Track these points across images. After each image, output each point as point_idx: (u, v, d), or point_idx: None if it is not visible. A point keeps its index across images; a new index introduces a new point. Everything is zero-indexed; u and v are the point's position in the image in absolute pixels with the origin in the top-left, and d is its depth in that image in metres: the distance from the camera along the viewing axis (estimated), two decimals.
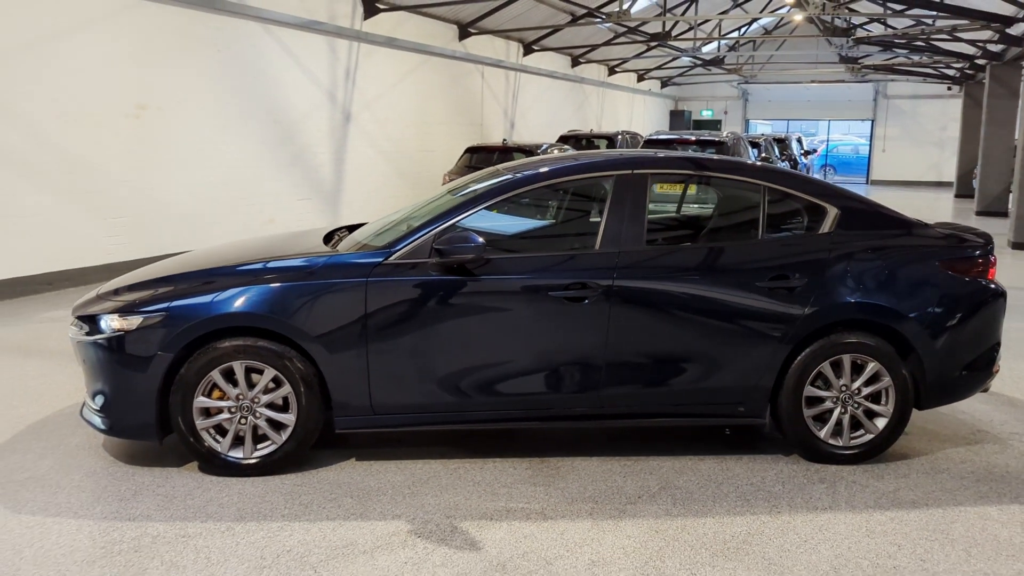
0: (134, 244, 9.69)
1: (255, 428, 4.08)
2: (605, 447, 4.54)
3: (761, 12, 22.58)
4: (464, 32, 16.79)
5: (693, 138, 13.00)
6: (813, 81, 31.46)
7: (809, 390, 4.26)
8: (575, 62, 23.17)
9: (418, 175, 15.67)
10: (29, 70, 8.39)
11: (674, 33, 21.89)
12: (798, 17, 18.10)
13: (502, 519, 3.69)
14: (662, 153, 4.90)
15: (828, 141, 35.58)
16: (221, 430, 4.08)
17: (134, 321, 3.97)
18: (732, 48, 27.93)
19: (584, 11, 17.93)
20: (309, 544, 3.45)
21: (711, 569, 3.30)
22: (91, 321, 4.09)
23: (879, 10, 18.40)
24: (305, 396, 4.04)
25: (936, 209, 19.86)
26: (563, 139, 17.34)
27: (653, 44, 21.96)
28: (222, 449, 4.06)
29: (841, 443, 4.31)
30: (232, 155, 11.15)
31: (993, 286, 4.42)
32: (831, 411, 4.28)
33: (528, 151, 13.35)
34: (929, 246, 4.39)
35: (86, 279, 9.05)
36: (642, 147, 14.28)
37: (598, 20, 18.12)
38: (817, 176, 29.27)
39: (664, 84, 32.47)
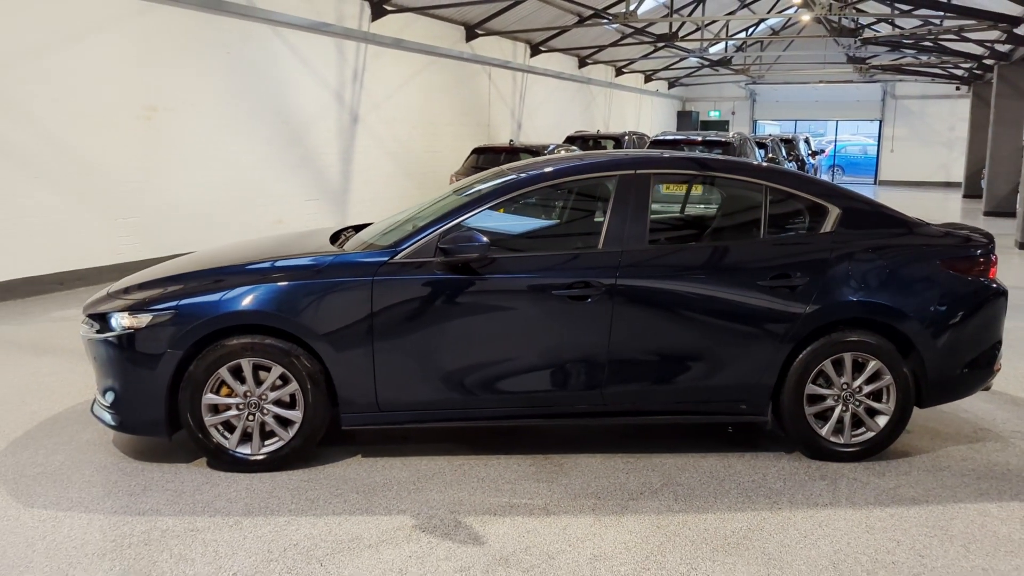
0: (144, 244, 9.78)
1: (263, 425, 4.15)
2: (608, 444, 4.59)
3: (768, 13, 22.58)
4: (471, 33, 16.85)
5: (699, 139, 13.01)
6: (821, 81, 31.41)
7: (810, 388, 4.29)
8: (582, 63, 23.21)
9: (425, 176, 15.73)
10: (41, 73, 8.48)
11: (681, 34, 21.91)
12: (805, 17, 18.10)
13: (505, 514, 3.75)
14: (665, 153, 4.95)
15: (836, 141, 35.50)
16: (229, 426, 4.14)
17: (144, 319, 4.04)
18: (739, 49, 27.91)
19: (591, 12, 17.98)
20: (315, 538, 3.51)
21: (711, 564, 3.34)
22: (102, 319, 4.15)
23: (886, 10, 18.39)
24: (312, 393, 4.09)
25: (944, 209, 19.82)
26: (570, 140, 17.36)
27: (660, 45, 21.97)
28: (230, 445, 4.13)
29: (842, 441, 4.34)
30: (241, 156, 11.24)
31: (994, 285, 4.45)
32: (832, 409, 4.32)
33: (535, 152, 13.38)
34: (930, 245, 4.42)
35: (97, 278, 9.15)
36: (648, 148, 14.32)
37: (605, 21, 18.15)
38: (825, 177, 29.25)
39: (671, 85, 32.47)
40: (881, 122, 31.20)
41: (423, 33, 15.28)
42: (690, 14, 20.91)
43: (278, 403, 4.13)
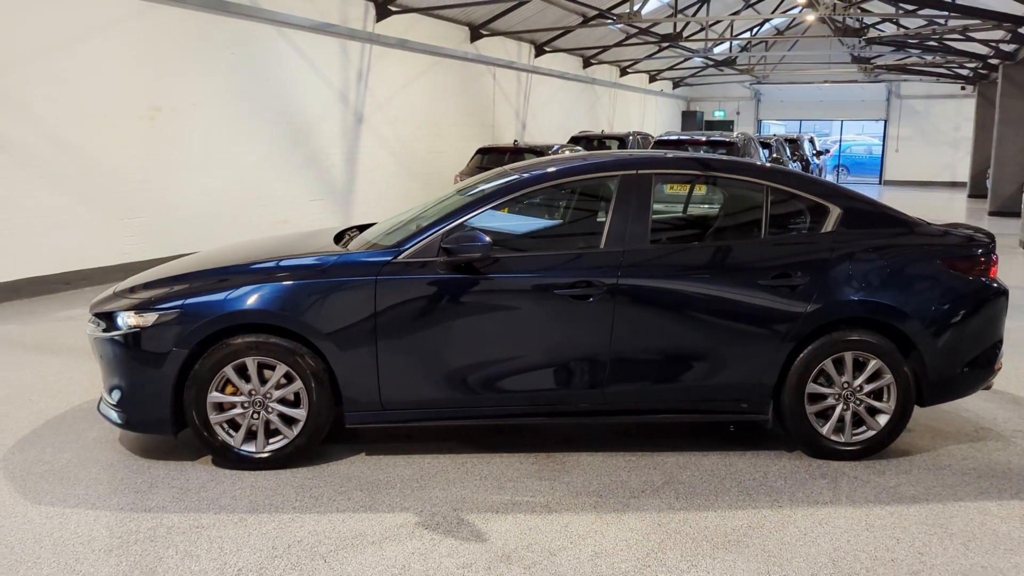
0: (149, 244, 9.83)
1: (267, 423, 4.18)
2: (610, 442, 4.62)
3: (773, 13, 22.57)
4: (476, 34, 16.89)
5: (703, 139, 13.04)
6: (826, 81, 31.37)
7: (811, 387, 4.31)
8: (587, 63, 23.23)
9: (429, 176, 15.77)
10: (45, 74, 8.53)
11: (685, 34, 21.92)
12: (810, 17, 18.08)
13: (508, 512, 3.78)
14: (668, 154, 4.97)
15: (841, 141, 35.46)
16: (234, 424, 4.18)
17: (150, 318, 4.07)
18: (744, 49, 27.90)
19: (595, 12, 18.00)
20: (319, 535, 3.54)
21: (711, 561, 3.37)
22: (108, 318, 4.19)
23: (891, 10, 18.36)
24: (316, 392, 4.13)
25: (950, 209, 19.80)
26: (574, 140, 17.40)
27: (665, 45, 22.00)
28: (235, 443, 4.16)
29: (843, 439, 4.36)
30: (245, 156, 11.29)
31: (995, 284, 4.46)
32: (833, 408, 4.34)
33: (539, 152, 13.41)
34: (931, 245, 4.44)
35: (102, 278, 9.20)
36: (652, 148, 14.34)
37: (609, 21, 18.17)
38: (830, 177, 29.19)
39: (676, 85, 32.47)
40: (886, 122, 31.16)
41: (427, 34, 15.31)
42: (694, 14, 20.92)
43: (282, 401, 4.17)
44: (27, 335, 7.05)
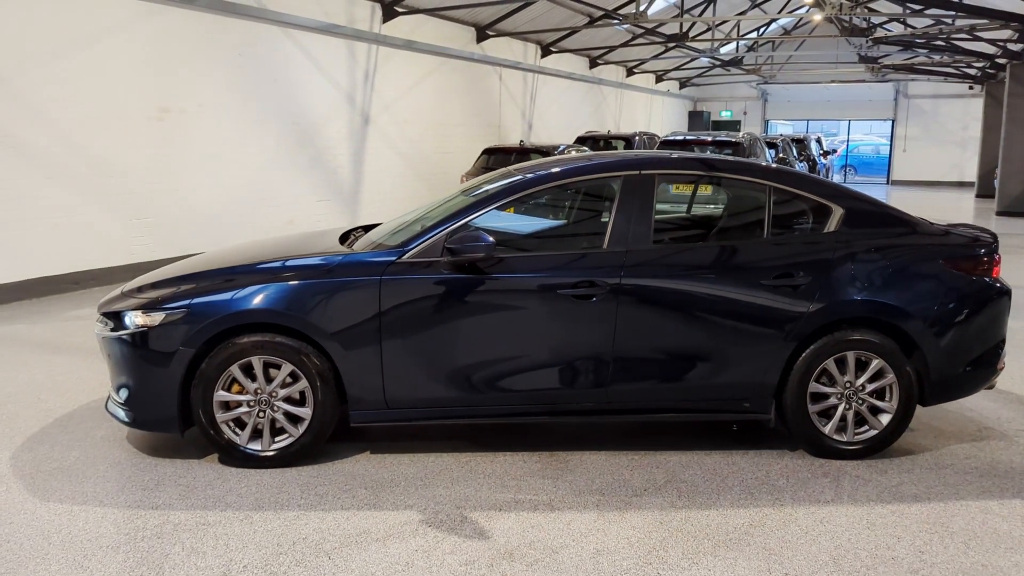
0: (157, 244, 9.90)
1: (273, 421, 4.22)
2: (613, 441, 4.64)
3: (779, 12, 22.54)
4: (482, 34, 16.92)
5: (709, 139, 13.04)
6: (833, 81, 31.32)
7: (814, 386, 4.33)
8: (593, 63, 23.25)
9: (435, 176, 15.81)
10: (55, 75, 8.60)
11: (692, 34, 21.91)
12: (817, 17, 18.07)
13: (511, 510, 3.80)
14: (673, 154, 4.99)
15: (848, 141, 35.38)
16: (240, 423, 4.22)
17: (157, 318, 4.12)
18: (751, 48, 27.87)
19: (602, 13, 18.01)
20: (324, 532, 3.58)
21: (712, 559, 3.39)
22: (116, 318, 4.24)
23: (898, 10, 18.33)
24: (321, 391, 4.16)
25: (958, 209, 19.75)
26: (580, 140, 17.42)
27: (671, 45, 21.98)
28: (241, 441, 4.20)
29: (845, 439, 4.37)
30: (253, 157, 11.35)
31: (998, 284, 4.47)
32: (836, 407, 4.35)
33: (545, 152, 13.43)
34: (933, 244, 4.45)
35: (111, 278, 9.26)
36: (658, 148, 14.34)
37: (616, 22, 18.18)
38: (837, 177, 29.11)
39: (683, 85, 32.45)
40: (893, 122, 31.09)
41: (434, 34, 15.36)
42: (700, 14, 20.90)
43: (288, 400, 4.20)
44: (36, 334, 7.11)
